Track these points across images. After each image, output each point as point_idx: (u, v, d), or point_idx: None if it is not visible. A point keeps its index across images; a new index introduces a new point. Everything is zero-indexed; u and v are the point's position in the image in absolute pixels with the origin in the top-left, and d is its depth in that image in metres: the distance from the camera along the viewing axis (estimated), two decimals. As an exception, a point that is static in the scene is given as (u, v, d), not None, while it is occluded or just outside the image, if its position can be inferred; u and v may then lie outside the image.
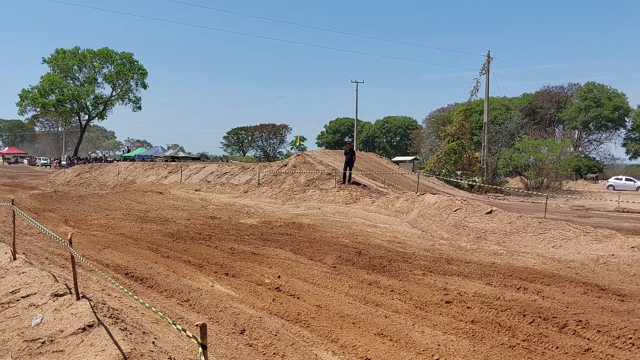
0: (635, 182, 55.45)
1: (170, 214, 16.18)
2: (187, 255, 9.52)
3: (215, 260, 9.03)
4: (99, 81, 70.65)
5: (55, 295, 5.34)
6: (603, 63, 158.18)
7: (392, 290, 7.25)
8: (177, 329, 2.88)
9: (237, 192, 24.30)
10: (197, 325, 2.60)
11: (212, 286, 7.36)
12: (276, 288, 7.33)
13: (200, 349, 2.60)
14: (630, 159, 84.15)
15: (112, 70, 69.43)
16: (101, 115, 73.68)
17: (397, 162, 46.24)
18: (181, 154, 60.80)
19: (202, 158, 70.15)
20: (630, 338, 5.38)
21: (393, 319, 6.02)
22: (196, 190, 25.95)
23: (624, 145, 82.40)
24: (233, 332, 5.53)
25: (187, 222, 14.21)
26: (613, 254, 9.50)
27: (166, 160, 50.05)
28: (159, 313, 3.37)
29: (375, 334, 5.53)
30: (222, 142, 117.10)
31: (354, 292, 7.20)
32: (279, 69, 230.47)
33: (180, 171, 32.68)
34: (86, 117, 73.44)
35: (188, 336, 2.81)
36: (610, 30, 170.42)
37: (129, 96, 72.29)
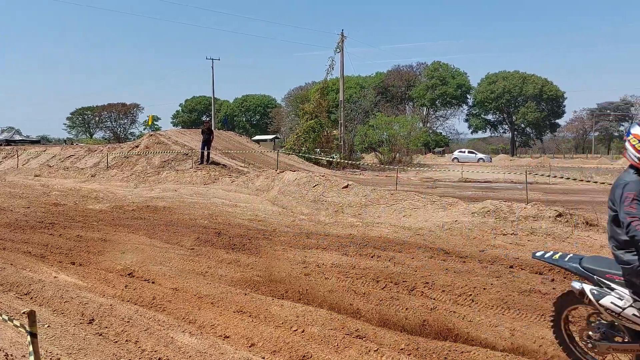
0: (476, 154, 60.79)
1: (6, 202, 14.75)
2: (28, 245, 8.73)
3: (60, 250, 8.39)
4: None
5: None
6: (448, 44, 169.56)
7: (252, 268, 7.23)
8: (3, 318, 2.58)
9: (83, 176, 22.79)
10: (24, 312, 2.34)
11: (55, 277, 6.82)
12: (129, 274, 6.98)
13: (29, 338, 2.34)
14: (472, 133, 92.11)
15: None
16: None
17: (257, 141, 46.33)
18: (17, 137, 55.82)
19: (42, 141, 64.87)
20: (470, 295, 5.85)
21: (253, 296, 5.99)
22: (36, 176, 23.95)
23: (466, 120, 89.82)
24: (81, 323, 5.16)
25: (26, 210, 13.05)
26: (456, 220, 10.26)
27: (0, 145, 45.61)
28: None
29: (234, 312, 5.47)
30: (65, 124, 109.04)
31: (213, 272, 7.10)
32: (127, 45, 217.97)
33: (16, 156, 30.04)
34: None
35: (15, 325, 2.52)
36: (453, 12, 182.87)
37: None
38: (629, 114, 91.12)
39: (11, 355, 3.89)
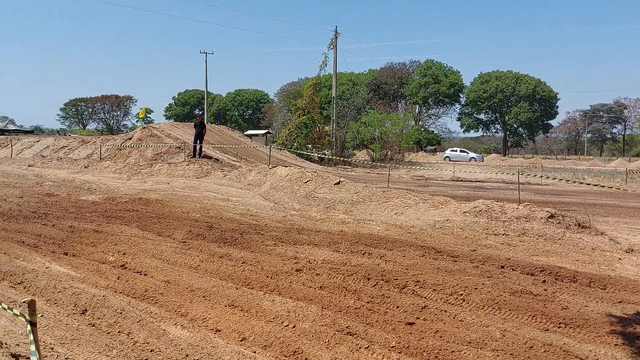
0: (468, 153, 60.93)
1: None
2: (21, 235, 8.71)
3: (52, 240, 8.38)
4: None
5: None
6: (441, 42, 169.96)
7: (243, 262, 7.23)
8: (2, 307, 2.60)
9: (76, 167, 22.69)
10: (24, 301, 2.36)
11: (47, 267, 6.82)
12: (121, 266, 6.98)
13: (29, 327, 2.36)
14: (464, 132, 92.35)
15: None
16: None
17: (249, 136, 46.19)
18: (11, 127, 55.47)
19: (36, 131, 64.59)
20: (461, 294, 5.89)
21: (244, 290, 6.02)
22: (30, 166, 23.83)
23: (458, 119, 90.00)
24: (74, 313, 5.18)
25: (19, 200, 12.99)
26: (448, 219, 10.29)
27: (-6, 134, 45.33)
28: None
29: (226, 306, 5.49)
30: (59, 115, 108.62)
31: (205, 265, 7.09)
32: (121, 37, 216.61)
33: (10, 145, 29.86)
34: None
35: (15, 314, 2.54)
36: (446, 11, 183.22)
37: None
38: (622, 116, 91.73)
39: (5, 343, 3.89)
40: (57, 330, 4.64)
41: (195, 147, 23.05)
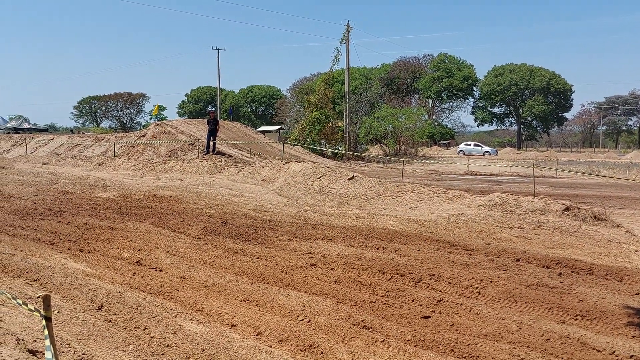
0: (482, 147, 60.56)
1: (15, 189, 14.83)
2: (37, 232, 8.79)
3: (68, 237, 8.44)
4: None
5: None
6: (454, 35, 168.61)
7: (258, 257, 7.24)
8: (18, 303, 2.61)
9: (91, 165, 22.87)
10: (39, 296, 2.37)
11: (63, 264, 6.87)
12: (137, 262, 7.02)
13: (44, 322, 2.37)
14: (477, 126, 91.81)
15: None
16: None
17: (263, 132, 46.34)
18: (26, 126, 56.08)
19: (50, 130, 65.19)
20: (477, 287, 5.86)
21: (259, 285, 6.02)
22: (44, 164, 24.06)
23: (472, 113, 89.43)
24: (90, 309, 5.21)
25: (35, 197, 13.11)
26: (462, 213, 10.24)
27: (8, 133, 45.84)
28: (-2, 292, 3.04)
29: (241, 301, 5.50)
30: (72, 113, 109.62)
31: (220, 261, 7.11)
32: (134, 34, 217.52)
33: (25, 143, 30.15)
34: None
35: (30, 310, 2.55)
36: (460, 3, 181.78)
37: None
38: (637, 108, 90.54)
39: (22, 340, 3.92)
40: (73, 326, 4.67)
41: (208, 143, 23.14)
